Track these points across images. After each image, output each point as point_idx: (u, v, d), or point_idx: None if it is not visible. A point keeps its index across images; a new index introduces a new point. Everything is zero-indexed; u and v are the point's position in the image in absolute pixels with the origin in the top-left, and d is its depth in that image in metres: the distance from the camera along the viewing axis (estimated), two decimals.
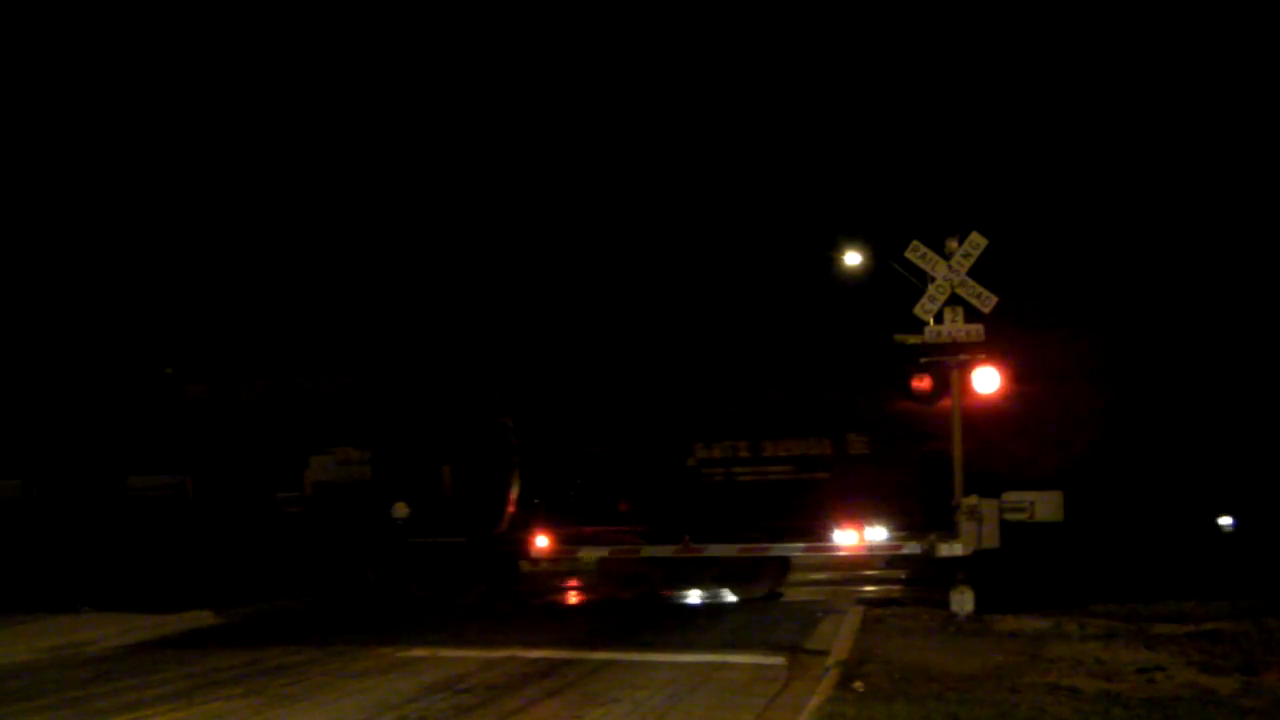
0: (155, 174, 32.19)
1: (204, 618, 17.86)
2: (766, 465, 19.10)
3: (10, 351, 23.70)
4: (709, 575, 19.40)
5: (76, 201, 31.36)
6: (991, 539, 16.04)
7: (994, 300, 15.93)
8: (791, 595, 19.97)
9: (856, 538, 17.56)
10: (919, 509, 17.63)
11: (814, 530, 18.40)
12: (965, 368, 16.06)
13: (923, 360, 16.38)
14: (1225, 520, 18.94)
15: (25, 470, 20.88)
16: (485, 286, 30.43)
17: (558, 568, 23.80)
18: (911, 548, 17.01)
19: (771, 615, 17.32)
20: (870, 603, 17.19)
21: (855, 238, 22.92)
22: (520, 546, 19.57)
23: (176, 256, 30.94)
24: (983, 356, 16.02)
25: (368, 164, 34.13)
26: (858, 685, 10.48)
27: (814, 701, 9.99)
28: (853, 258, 22.92)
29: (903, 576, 20.52)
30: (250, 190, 32.66)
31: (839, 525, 18.28)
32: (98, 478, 20.56)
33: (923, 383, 16.40)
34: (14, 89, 30.24)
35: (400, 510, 19.22)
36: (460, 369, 21.11)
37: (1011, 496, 16.50)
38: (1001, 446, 17.19)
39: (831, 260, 23.53)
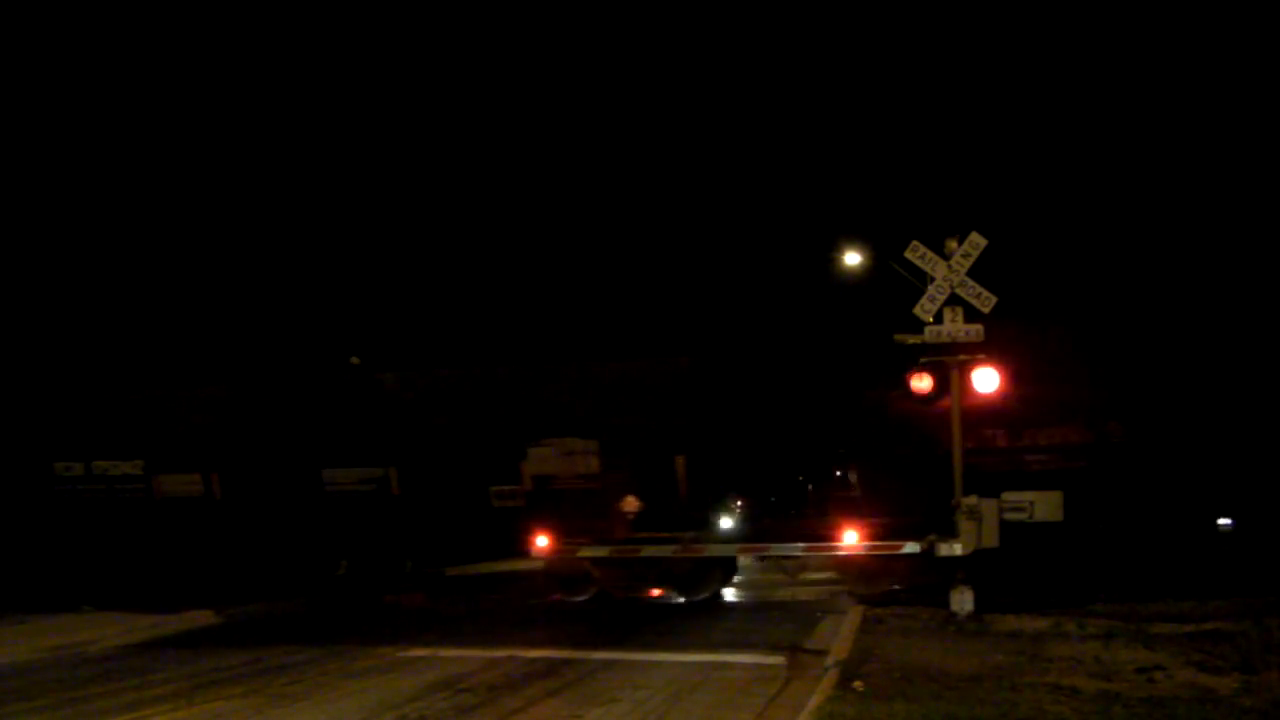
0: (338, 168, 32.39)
1: (204, 617, 17.87)
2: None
3: (192, 349, 23.53)
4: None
5: (245, 197, 31.63)
6: (991, 539, 16.03)
7: (994, 300, 15.93)
8: (792, 595, 19.98)
9: (856, 537, 17.54)
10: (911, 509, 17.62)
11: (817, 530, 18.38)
12: (965, 368, 16.06)
13: (923, 360, 16.37)
14: (1224, 520, 18.93)
15: (213, 466, 20.42)
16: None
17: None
18: (911, 547, 16.99)
19: (771, 615, 17.32)
20: (870, 602, 17.19)
21: (855, 238, 22.90)
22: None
23: (343, 248, 31.03)
24: (982, 356, 16.01)
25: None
26: (857, 685, 10.48)
27: (814, 701, 10.00)
28: (853, 258, 22.90)
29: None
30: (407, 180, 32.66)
31: (840, 525, 18.24)
32: (292, 473, 19.93)
33: (923, 383, 16.39)
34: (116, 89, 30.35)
35: (630, 504, 18.35)
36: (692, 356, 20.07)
37: (1011, 496, 16.50)
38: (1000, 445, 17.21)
39: (831, 260, 23.52)
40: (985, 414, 16.78)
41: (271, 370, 22.20)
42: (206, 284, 29.64)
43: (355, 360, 21.64)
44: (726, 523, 20.11)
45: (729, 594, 21.45)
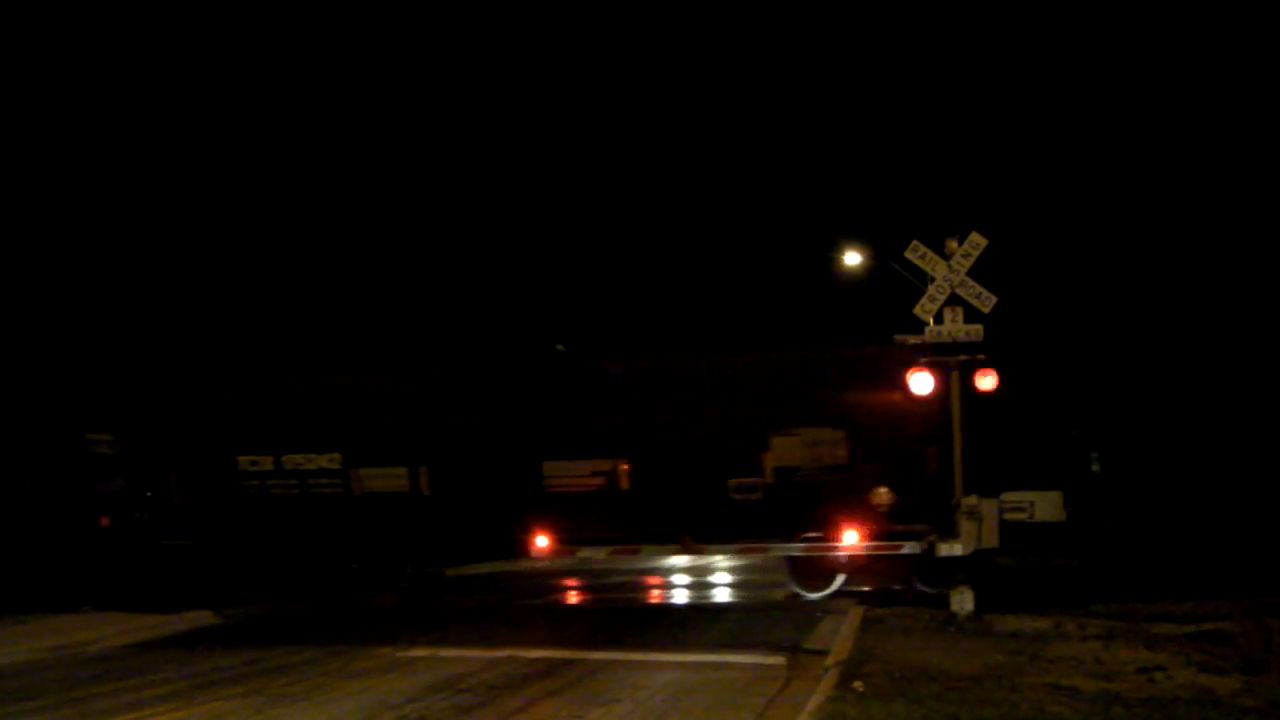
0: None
1: (204, 618, 17.87)
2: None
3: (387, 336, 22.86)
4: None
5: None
6: (991, 539, 16.04)
7: (994, 300, 15.94)
8: (792, 595, 19.94)
9: (857, 537, 17.53)
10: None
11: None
12: (965, 368, 16.06)
13: (923, 360, 16.38)
14: (1224, 522, 18.93)
15: (422, 460, 19.11)
16: None
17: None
18: (911, 548, 16.99)
19: (771, 615, 17.31)
20: (870, 603, 17.18)
21: (855, 238, 22.91)
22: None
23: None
24: (982, 356, 16.02)
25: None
26: (858, 685, 10.48)
27: (814, 701, 9.99)
28: (853, 258, 22.90)
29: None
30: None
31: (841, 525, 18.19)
32: (509, 464, 18.55)
33: (923, 383, 16.39)
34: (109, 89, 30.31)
35: (882, 496, 17.22)
36: None
37: (1011, 496, 16.51)
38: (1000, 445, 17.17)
39: (831, 260, 23.53)
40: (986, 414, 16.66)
41: (479, 358, 21.33)
42: (401, 269, 29.80)
43: (560, 348, 20.78)
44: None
45: (727, 594, 21.46)
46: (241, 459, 19.59)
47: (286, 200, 30.40)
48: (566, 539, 18.20)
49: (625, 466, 18.09)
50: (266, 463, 19.50)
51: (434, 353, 23.43)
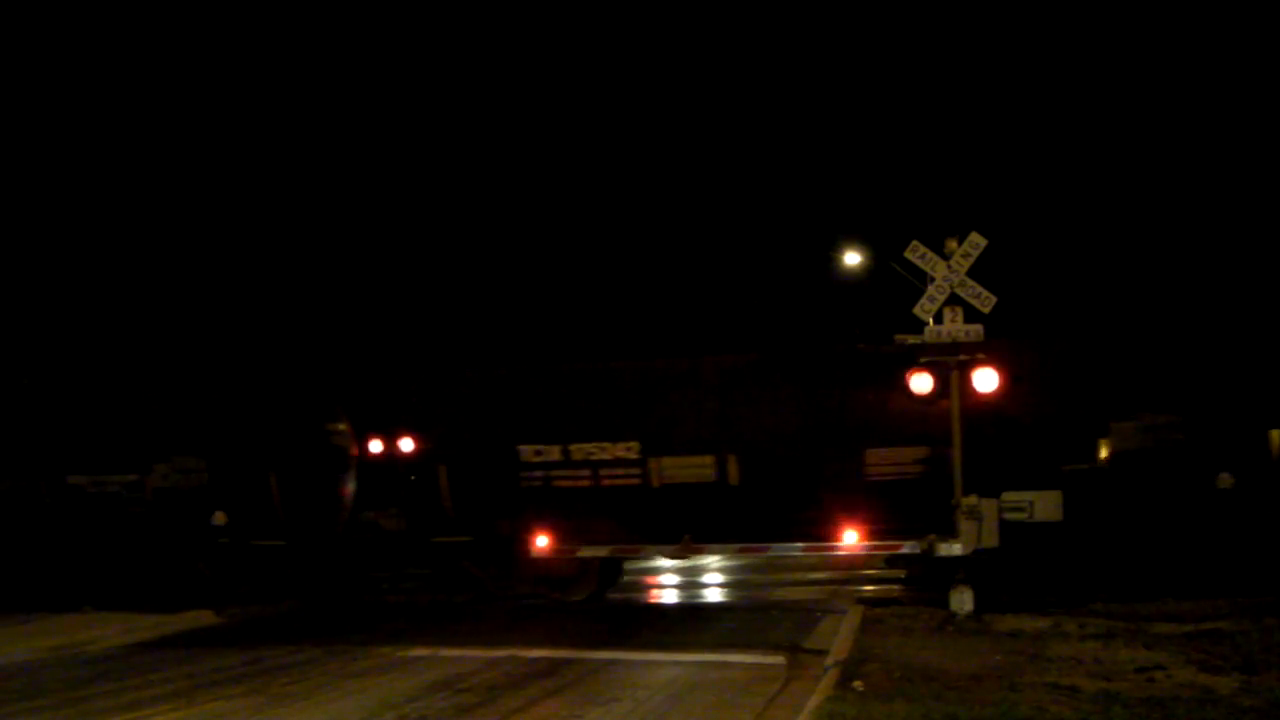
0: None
1: (204, 618, 17.87)
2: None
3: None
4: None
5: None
6: (990, 538, 16.03)
7: (993, 300, 15.93)
8: (792, 595, 19.97)
9: (856, 537, 17.53)
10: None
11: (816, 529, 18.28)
12: (965, 368, 16.06)
13: (923, 360, 16.37)
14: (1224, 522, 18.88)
15: (731, 449, 18.03)
16: None
17: None
18: (911, 547, 16.98)
19: (771, 615, 17.32)
20: (870, 602, 17.19)
21: (855, 238, 22.94)
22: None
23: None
24: (982, 356, 16.01)
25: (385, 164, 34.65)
26: (857, 685, 10.49)
27: (814, 701, 10.00)
28: (853, 258, 22.94)
29: (902, 576, 20.52)
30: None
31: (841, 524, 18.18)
32: (827, 452, 17.92)
33: (923, 383, 16.39)
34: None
35: (1223, 481, 16.71)
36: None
37: (1011, 496, 16.50)
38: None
39: (831, 260, 23.56)
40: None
41: (788, 340, 20.74)
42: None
43: (856, 331, 19.78)
44: None
45: (728, 595, 21.46)
46: (525, 449, 18.58)
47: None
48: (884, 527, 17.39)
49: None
50: (553, 453, 18.56)
51: (733, 337, 23.02)
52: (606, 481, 18.24)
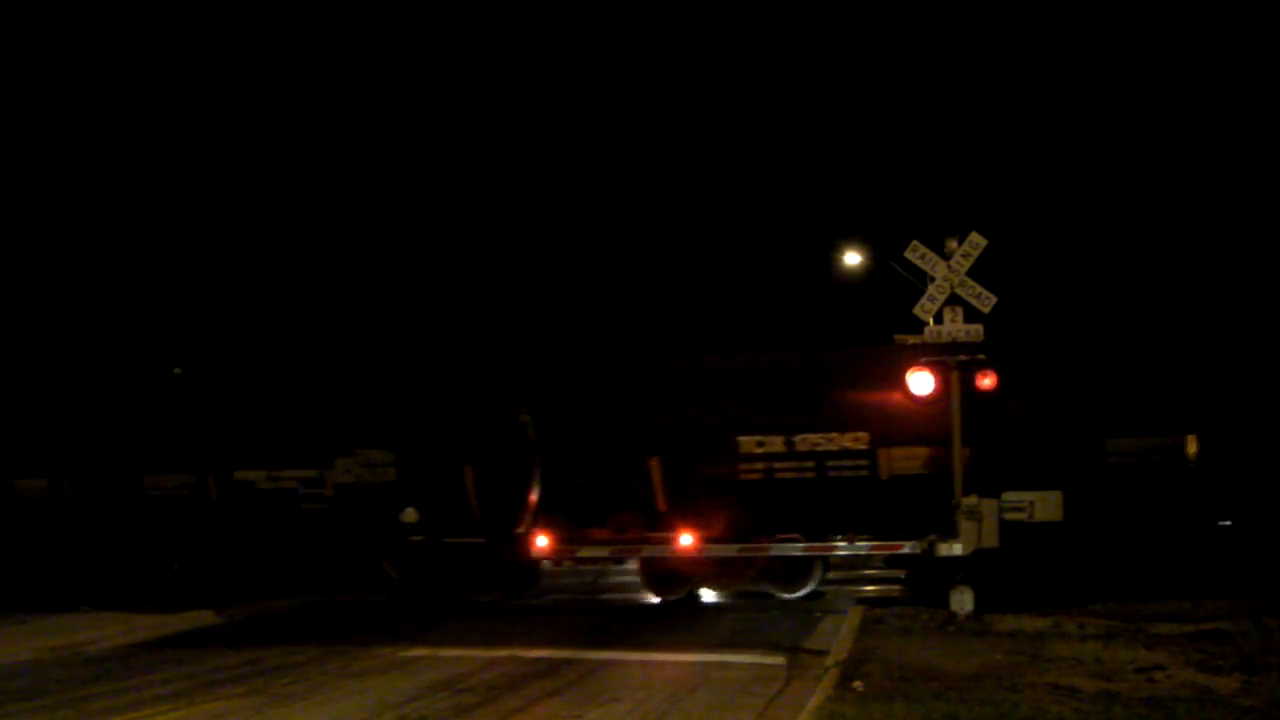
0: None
1: (204, 618, 17.87)
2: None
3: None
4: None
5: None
6: (990, 538, 16.02)
7: (994, 300, 15.92)
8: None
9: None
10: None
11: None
12: (965, 368, 16.05)
13: (923, 360, 16.37)
14: (1225, 522, 18.87)
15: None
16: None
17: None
18: (911, 547, 16.97)
19: (771, 615, 17.32)
20: (870, 603, 17.18)
21: (855, 238, 22.95)
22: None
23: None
24: (982, 356, 16.01)
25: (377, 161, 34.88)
26: (857, 685, 10.49)
27: (814, 701, 10.00)
28: (853, 258, 22.94)
29: (902, 576, 20.52)
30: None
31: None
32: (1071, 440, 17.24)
33: (923, 383, 16.38)
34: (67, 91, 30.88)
35: None
36: None
37: (1011, 496, 16.48)
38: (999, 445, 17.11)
39: (831, 260, 23.57)
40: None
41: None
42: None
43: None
44: None
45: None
46: (744, 439, 17.79)
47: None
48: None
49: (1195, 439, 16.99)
50: (776, 443, 17.73)
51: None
52: (832, 473, 17.61)
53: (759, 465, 17.75)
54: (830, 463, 17.57)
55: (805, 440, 17.62)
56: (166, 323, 30.76)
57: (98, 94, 32.58)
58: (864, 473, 17.45)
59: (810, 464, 17.62)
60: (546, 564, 20.75)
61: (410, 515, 18.88)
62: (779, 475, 17.67)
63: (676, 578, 18.99)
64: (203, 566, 20.10)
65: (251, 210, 32.85)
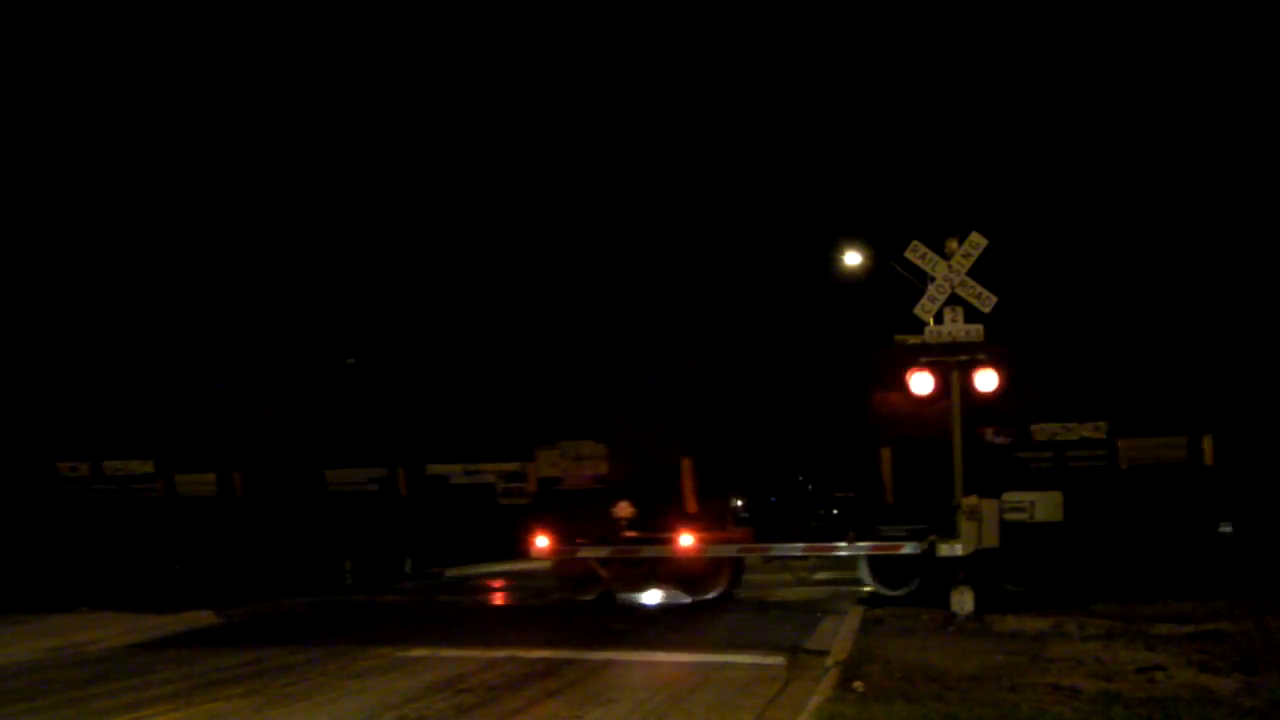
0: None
1: (204, 618, 17.85)
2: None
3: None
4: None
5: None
6: (991, 538, 16.02)
7: (994, 300, 15.92)
8: (792, 595, 19.98)
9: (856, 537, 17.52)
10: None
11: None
12: (965, 368, 16.05)
13: (923, 360, 16.37)
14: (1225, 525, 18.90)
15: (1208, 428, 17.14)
16: None
17: None
18: (911, 548, 16.98)
19: (771, 615, 17.32)
20: (870, 603, 17.18)
21: (855, 238, 22.93)
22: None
23: None
24: (982, 356, 16.00)
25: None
26: (858, 685, 10.48)
27: (814, 701, 9.99)
28: (853, 258, 22.91)
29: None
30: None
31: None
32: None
33: (923, 383, 16.38)
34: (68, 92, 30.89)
35: None
36: None
37: (1011, 496, 16.49)
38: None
39: (831, 260, 23.54)
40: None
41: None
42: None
43: None
44: None
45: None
46: (1036, 428, 17.56)
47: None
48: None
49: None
50: (1063, 430, 17.45)
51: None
52: (1073, 464, 17.48)
53: (1047, 453, 17.58)
54: (1070, 452, 17.51)
55: (1043, 429, 17.54)
56: (331, 313, 30.56)
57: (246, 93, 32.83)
58: (1102, 463, 17.32)
59: (1048, 454, 17.56)
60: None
61: (625, 509, 18.26)
62: (1032, 466, 17.45)
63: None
64: (382, 565, 19.49)
65: (419, 199, 33.15)
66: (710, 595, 18.90)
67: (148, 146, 30.51)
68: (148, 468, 19.68)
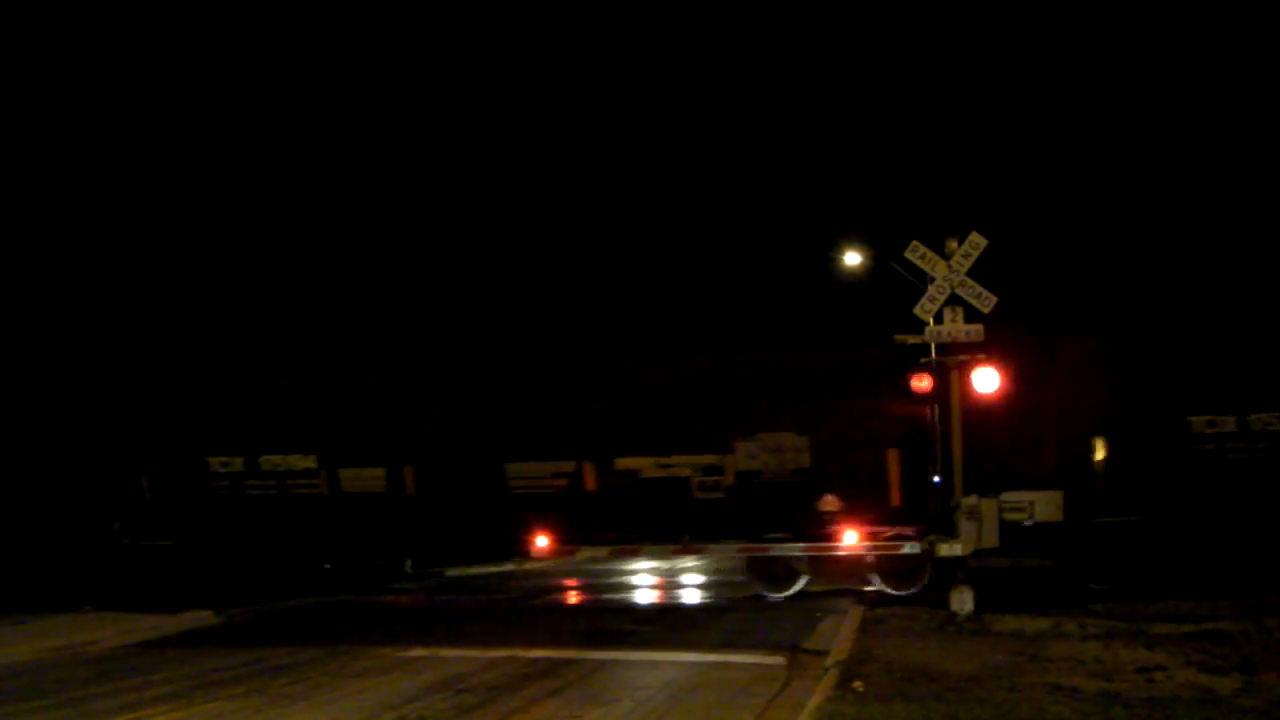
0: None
1: (204, 618, 17.86)
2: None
3: None
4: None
5: None
6: (991, 538, 16.03)
7: (994, 300, 15.91)
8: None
9: (856, 537, 17.51)
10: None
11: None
12: (965, 368, 16.04)
13: (923, 360, 16.36)
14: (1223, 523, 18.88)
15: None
16: None
17: None
18: (911, 548, 16.98)
19: (771, 615, 17.31)
20: (870, 603, 17.18)
21: (855, 238, 22.93)
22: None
23: None
24: (982, 356, 16.00)
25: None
26: (857, 685, 10.48)
27: (814, 701, 10.00)
28: (853, 258, 22.91)
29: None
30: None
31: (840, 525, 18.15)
32: None
33: (923, 383, 16.38)
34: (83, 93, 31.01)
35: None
36: None
37: (1011, 496, 16.49)
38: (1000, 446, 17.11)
39: (831, 260, 23.55)
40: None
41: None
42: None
43: None
44: None
45: (727, 594, 21.44)
46: (1195, 419, 17.25)
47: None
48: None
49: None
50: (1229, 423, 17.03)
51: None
52: (1234, 455, 17.13)
53: (1209, 446, 17.34)
54: (1229, 445, 17.16)
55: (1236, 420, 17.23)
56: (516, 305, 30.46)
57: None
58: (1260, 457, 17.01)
59: (1212, 446, 17.25)
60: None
61: (831, 503, 17.86)
62: (1230, 457, 17.15)
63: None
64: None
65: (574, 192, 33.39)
66: (913, 590, 18.18)
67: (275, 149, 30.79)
68: (309, 463, 19.23)
